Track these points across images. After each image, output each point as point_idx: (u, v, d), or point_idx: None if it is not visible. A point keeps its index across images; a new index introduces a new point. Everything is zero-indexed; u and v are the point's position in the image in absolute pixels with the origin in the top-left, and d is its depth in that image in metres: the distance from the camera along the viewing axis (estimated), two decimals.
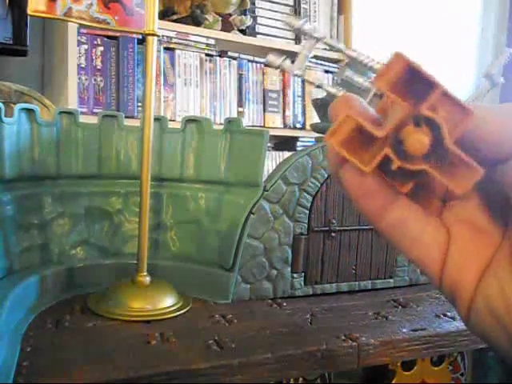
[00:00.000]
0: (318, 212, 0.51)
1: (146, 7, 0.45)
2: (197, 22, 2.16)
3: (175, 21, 2.14)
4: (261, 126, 2.39)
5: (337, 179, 0.26)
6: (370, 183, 0.25)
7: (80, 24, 0.45)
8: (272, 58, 0.48)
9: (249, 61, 2.43)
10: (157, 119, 0.55)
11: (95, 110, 1.94)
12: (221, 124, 0.55)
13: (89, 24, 0.44)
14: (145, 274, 0.47)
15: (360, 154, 0.23)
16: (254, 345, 0.40)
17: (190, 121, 0.56)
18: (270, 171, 0.53)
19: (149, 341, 0.40)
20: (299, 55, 0.48)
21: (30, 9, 0.41)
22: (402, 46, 2.92)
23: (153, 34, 0.46)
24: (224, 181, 0.55)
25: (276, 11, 2.48)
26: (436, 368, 0.62)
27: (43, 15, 0.42)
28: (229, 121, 0.55)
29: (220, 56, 2.34)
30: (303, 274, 0.52)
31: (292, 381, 0.56)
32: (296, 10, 2.54)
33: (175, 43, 2.17)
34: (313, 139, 0.55)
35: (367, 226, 0.53)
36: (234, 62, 2.38)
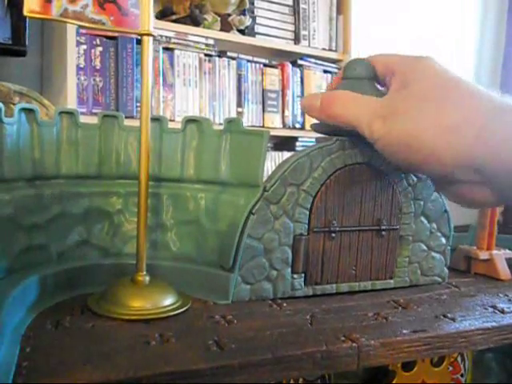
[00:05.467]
0: (318, 213, 0.51)
1: (140, 7, 0.45)
2: (196, 22, 2.16)
3: (174, 21, 2.14)
4: (260, 126, 2.40)
5: None
6: None
7: (76, 24, 0.45)
8: None
9: (248, 61, 2.44)
10: (156, 119, 0.55)
11: (94, 110, 1.95)
12: (220, 124, 0.55)
13: (84, 24, 0.44)
14: (144, 273, 0.47)
15: None
16: (254, 345, 0.40)
17: (190, 121, 0.56)
18: (270, 171, 0.52)
19: (148, 341, 0.40)
20: None
21: (26, 10, 0.41)
22: (401, 45, 2.92)
23: (148, 34, 0.46)
24: (224, 181, 0.55)
25: (275, 11, 2.48)
26: (436, 369, 0.62)
27: (39, 16, 0.42)
28: (229, 121, 0.55)
29: (219, 56, 2.34)
30: (303, 274, 0.52)
31: (292, 381, 0.56)
32: (295, 10, 2.54)
33: (174, 43, 2.17)
34: (312, 139, 0.55)
35: (367, 226, 0.53)
36: (233, 62, 2.39)
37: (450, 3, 3.11)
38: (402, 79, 0.46)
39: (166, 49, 2.14)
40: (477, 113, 0.39)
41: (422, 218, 0.56)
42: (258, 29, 2.39)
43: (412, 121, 0.42)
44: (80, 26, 1.79)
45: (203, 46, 2.25)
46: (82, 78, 1.94)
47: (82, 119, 0.53)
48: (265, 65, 2.48)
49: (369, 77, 0.52)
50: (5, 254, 0.46)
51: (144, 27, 0.45)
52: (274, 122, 2.45)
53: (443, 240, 0.58)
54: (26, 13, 0.42)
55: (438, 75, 0.44)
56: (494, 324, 0.47)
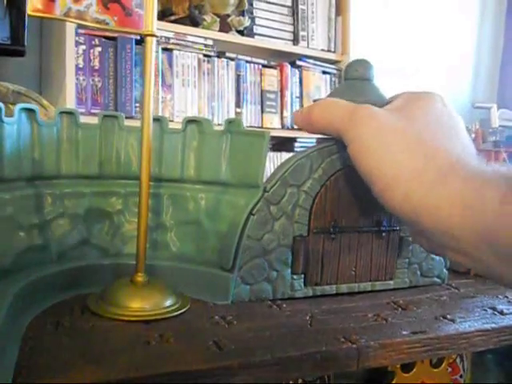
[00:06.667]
0: (317, 213, 0.51)
1: (145, 8, 0.45)
2: (195, 22, 2.16)
3: (173, 21, 2.14)
4: (258, 127, 2.40)
5: None
6: None
7: (80, 24, 0.45)
8: None
9: (247, 61, 2.44)
10: (157, 120, 0.55)
11: (93, 111, 1.95)
12: (219, 125, 0.55)
13: (88, 24, 0.44)
14: (143, 274, 0.47)
15: None
16: (254, 346, 0.40)
17: (190, 121, 0.56)
18: (268, 172, 0.53)
19: (148, 341, 0.40)
20: None
21: (30, 8, 0.41)
22: (400, 47, 2.92)
23: (151, 35, 0.46)
24: (224, 181, 0.55)
25: (274, 12, 2.48)
26: (435, 370, 0.62)
27: (43, 15, 0.42)
28: (229, 121, 0.55)
29: (218, 57, 2.34)
30: (303, 275, 0.52)
31: (291, 382, 0.56)
32: (294, 11, 2.54)
33: (173, 44, 2.17)
34: (311, 140, 0.55)
35: (367, 227, 0.53)
36: (232, 63, 2.39)
37: (449, 5, 3.11)
38: (399, 104, 0.46)
39: (164, 49, 2.14)
40: (429, 174, 0.40)
41: None
42: (256, 29, 2.39)
43: (381, 147, 0.42)
44: (81, 26, 1.79)
45: (202, 47, 2.25)
46: (81, 78, 1.94)
47: (81, 119, 0.53)
48: (263, 65, 2.48)
49: (370, 78, 0.52)
50: (5, 254, 0.46)
51: (148, 28, 0.45)
52: (272, 122, 2.45)
53: None
54: (29, 11, 0.41)
55: (432, 113, 0.45)
56: (493, 325, 0.47)
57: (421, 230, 0.41)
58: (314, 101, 0.51)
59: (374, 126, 0.43)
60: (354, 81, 0.52)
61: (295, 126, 2.32)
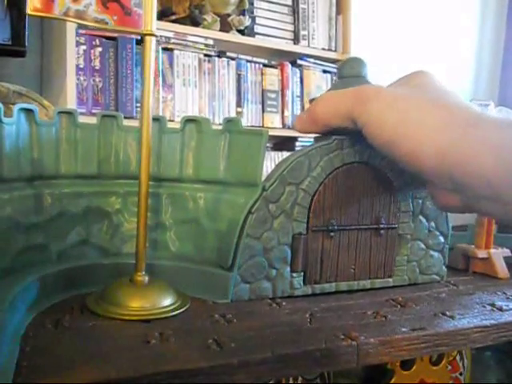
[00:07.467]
0: (316, 212, 0.52)
1: (144, 7, 0.45)
2: (195, 22, 2.16)
3: (174, 21, 2.14)
4: (260, 126, 2.40)
5: None
6: None
7: (79, 23, 0.45)
8: None
9: (247, 61, 2.44)
10: (156, 119, 0.55)
11: (94, 111, 1.95)
12: (220, 124, 0.55)
13: (87, 24, 0.44)
14: (143, 273, 0.47)
15: None
16: (254, 344, 0.40)
17: (189, 121, 0.56)
18: (269, 171, 0.53)
19: (148, 340, 0.40)
20: None
21: (29, 8, 0.41)
22: (401, 46, 2.92)
23: (151, 34, 0.46)
24: (223, 180, 0.55)
25: (274, 11, 2.48)
26: (435, 367, 0.62)
27: (42, 14, 0.42)
28: (228, 120, 0.55)
29: (218, 56, 2.34)
30: (302, 273, 0.52)
31: (291, 380, 0.56)
32: (294, 10, 2.54)
33: (174, 44, 2.17)
34: (311, 139, 0.55)
35: (366, 225, 0.54)
36: (233, 63, 2.39)
37: (450, 5, 3.11)
38: (396, 84, 0.47)
39: (165, 49, 2.14)
40: (456, 125, 0.39)
41: (421, 217, 0.56)
42: (257, 29, 2.39)
43: (398, 114, 0.42)
44: (81, 26, 1.79)
45: (202, 47, 2.25)
46: (82, 78, 1.94)
47: (82, 120, 0.53)
48: (264, 65, 2.48)
49: (364, 75, 0.52)
50: (4, 254, 0.46)
51: (147, 27, 0.45)
52: (273, 122, 2.45)
53: (441, 239, 0.58)
54: (29, 11, 0.41)
55: (432, 82, 0.45)
56: (492, 322, 0.47)
57: (453, 183, 0.40)
58: (310, 100, 0.52)
59: (387, 98, 0.43)
60: (349, 78, 0.52)
61: None
